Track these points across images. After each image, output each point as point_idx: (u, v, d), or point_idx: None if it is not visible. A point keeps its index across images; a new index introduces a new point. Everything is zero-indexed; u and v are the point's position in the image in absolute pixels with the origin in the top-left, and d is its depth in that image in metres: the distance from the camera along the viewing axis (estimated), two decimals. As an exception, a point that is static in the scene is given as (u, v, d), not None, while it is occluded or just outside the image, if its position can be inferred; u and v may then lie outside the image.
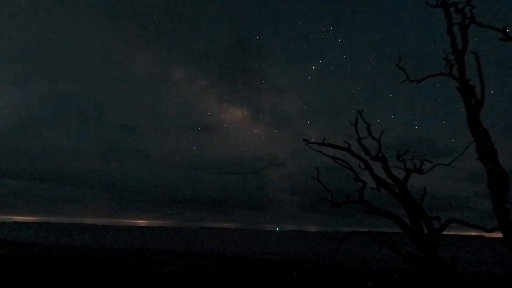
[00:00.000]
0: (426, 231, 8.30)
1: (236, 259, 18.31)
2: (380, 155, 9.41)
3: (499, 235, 6.31)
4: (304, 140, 9.90)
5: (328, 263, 17.83)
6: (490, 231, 7.41)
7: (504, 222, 6.07)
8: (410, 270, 13.23)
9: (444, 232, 8.26)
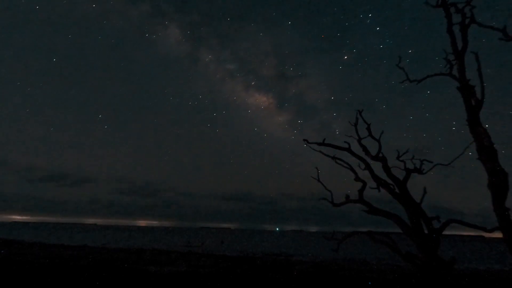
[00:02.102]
0: (426, 231, 8.30)
1: (236, 259, 18.31)
2: (380, 155, 9.40)
3: (499, 235, 6.32)
4: (304, 140, 9.91)
5: (328, 263, 17.81)
6: (490, 231, 7.41)
7: (504, 222, 6.08)
8: (410, 270, 13.21)
9: (444, 232, 8.27)
